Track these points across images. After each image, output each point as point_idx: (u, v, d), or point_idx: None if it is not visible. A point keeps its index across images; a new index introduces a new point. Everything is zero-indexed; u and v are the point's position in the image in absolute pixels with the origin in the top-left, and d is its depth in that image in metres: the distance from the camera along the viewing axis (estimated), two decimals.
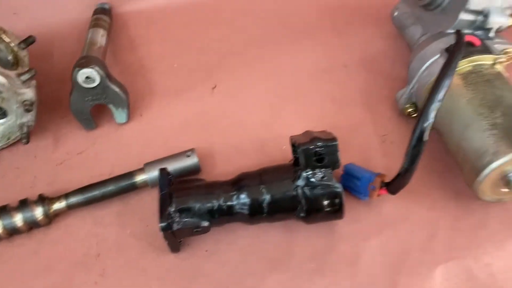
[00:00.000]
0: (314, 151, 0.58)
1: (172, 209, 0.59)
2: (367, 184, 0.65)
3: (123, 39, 0.90)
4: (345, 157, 0.70)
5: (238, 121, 0.77)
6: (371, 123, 0.76)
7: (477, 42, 0.64)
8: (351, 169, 0.67)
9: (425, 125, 0.56)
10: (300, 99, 0.79)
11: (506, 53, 0.67)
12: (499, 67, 0.65)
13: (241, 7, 0.92)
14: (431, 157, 0.69)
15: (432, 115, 0.56)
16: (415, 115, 0.72)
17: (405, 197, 0.66)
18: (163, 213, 0.58)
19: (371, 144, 0.73)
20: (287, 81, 0.81)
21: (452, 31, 0.69)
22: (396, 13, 0.81)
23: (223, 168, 0.72)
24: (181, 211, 0.59)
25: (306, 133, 0.64)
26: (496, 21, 0.67)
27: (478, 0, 0.66)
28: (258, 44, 0.87)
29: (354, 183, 0.66)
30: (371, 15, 0.86)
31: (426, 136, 0.57)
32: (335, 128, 0.73)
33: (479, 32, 0.69)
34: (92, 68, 0.71)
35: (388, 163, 0.69)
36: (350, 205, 0.65)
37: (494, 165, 0.56)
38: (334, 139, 0.59)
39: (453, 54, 0.58)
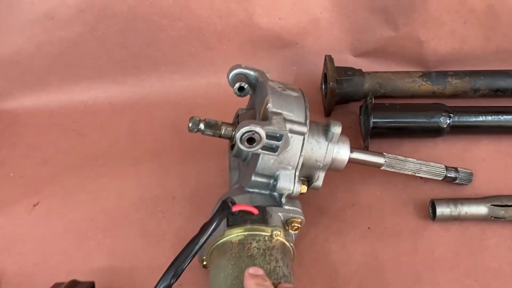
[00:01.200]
0: None
1: None
2: None
3: None
4: None
5: (42, 246, 0.75)
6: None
7: (254, 211, 0.62)
8: None
9: None
10: (114, 229, 0.77)
11: (291, 222, 0.65)
12: (280, 238, 0.62)
13: (99, 120, 0.93)
14: None
15: None
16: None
17: None
18: None
19: None
20: (110, 206, 0.80)
21: (251, 190, 0.68)
22: (229, 152, 0.81)
23: None
24: None
25: (70, 282, 0.62)
26: (285, 187, 0.65)
27: (265, 166, 0.64)
28: (100, 161, 0.86)
29: None
30: (215, 146, 0.85)
31: None
32: (135, 268, 0.72)
33: (276, 194, 0.67)
34: None
35: None
36: None
37: None
38: None
39: (205, 225, 0.56)
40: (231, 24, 0.92)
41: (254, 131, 0.59)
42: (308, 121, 0.65)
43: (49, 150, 0.88)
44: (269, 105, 0.64)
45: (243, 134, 0.59)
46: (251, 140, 0.60)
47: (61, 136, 0.91)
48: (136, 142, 0.89)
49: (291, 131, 0.63)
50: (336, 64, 0.91)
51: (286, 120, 0.63)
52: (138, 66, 0.95)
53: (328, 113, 0.92)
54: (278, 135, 0.61)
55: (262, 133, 0.59)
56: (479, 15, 0.90)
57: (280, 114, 0.64)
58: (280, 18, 0.93)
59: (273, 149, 0.62)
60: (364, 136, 0.86)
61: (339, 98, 0.89)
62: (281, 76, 0.99)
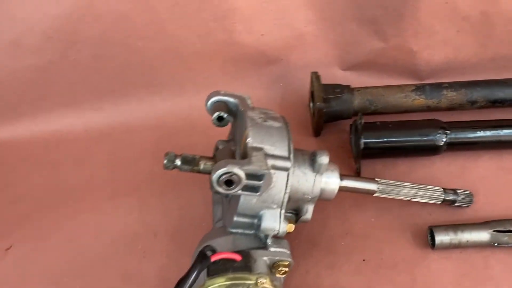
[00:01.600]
0: None
1: None
2: None
3: None
4: None
5: None
6: None
7: (237, 257, 0.57)
8: None
9: None
10: (92, 273, 0.72)
11: (278, 266, 0.60)
12: (266, 286, 0.57)
13: (76, 150, 0.88)
14: None
15: None
16: None
17: None
18: None
19: None
20: (87, 247, 0.74)
21: (234, 230, 0.62)
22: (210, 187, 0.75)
23: None
24: None
25: None
26: (270, 227, 0.60)
27: (247, 206, 0.59)
28: (77, 197, 0.81)
29: None
30: (199, 176, 0.79)
31: None
32: None
33: (262, 235, 0.62)
34: None
35: None
36: None
37: None
38: None
39: (181, 280, 0.51)
40: (210, 43, 0.87)
41: (232, 172, 0.54)
42: (292, 155, 0.60)
43: (23, 186, 0.83)
44: (249, 139, 0.59)
45: (220, 176, 0.54)
46: (229, 182, 0.55)
47: (35, 169, 0.86)
48: (114, 174, 0.84)
49: (274, 167, 0.58)
50: (325, 78, 0.86)
51: (267, 155, 0.58)
52: (115, 91, 0.90)
53: (316, 133, 0.87)
54: (259, 174, 0.56)
55: (241, 174, 0.54)
56: (473, 23, 0.85)
57: (261, 149, 0.58)
58: (262, 35, 0.88)
59: (254, 189, 0.56)
60: (356, 157, 0.81)
61: (328, 117, 0.84)
62: (267, 93, 0.94)
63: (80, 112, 0.91)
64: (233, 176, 0.54)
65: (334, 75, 0.93)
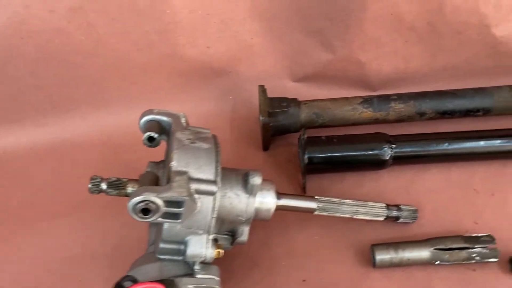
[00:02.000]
0: None
1: None
2: None
3: None
4: None
5: None
6: None
7: (158, 287, 0.55)
8: None
9: None
10: None
11: None
12: None
13: (19, 168, 0.86)
14: None
15: None
16: None
17: None
18: None
19: None
20: (21, 272, 0.72)
21: (162, 256, 0.60)
22: None
23: None
24: None
25: None
26: (196, 254, 0.58)
27: (171, 232, 0.57)
28: (16, 217, 0.79)
29: None
30: None
31: None
32: None
33: (190, 261, 0.60)
34: None
35: None
36: None
37: None
38: None
39: None
40: (154, 57, 0.85)
41: (148, 200, 0.52)
42: (219, 178, 0.58)
43: None
44: (172, 163, 0.57)
45: (136, 204, 0.52)
46: (146, 210, 0.53)
47: None
48: (57, 192, 0.82)
49: (199, 192, 0.56)
50: (276, 90, 0.84)
51: (192, 179, 0.56)
52: (58, 107, 0.88)
53: (265, 147, 0.85)
54: (178, 201, 0.53)
55: (159, 202, 0.52)
56: (421, 33, 0.83)
57: (185, 173, 0.56)
58: (208, 47, 0.85)
59: (175, 216, 0.54)
60: (302, 172, 0.80)
61: (275, 131, 0.82)
62: (217, 106, 0.92)
63: (23, 129, 0.88)
64: (150, 204, 0.52)
65: (285, 87, 0.91)
